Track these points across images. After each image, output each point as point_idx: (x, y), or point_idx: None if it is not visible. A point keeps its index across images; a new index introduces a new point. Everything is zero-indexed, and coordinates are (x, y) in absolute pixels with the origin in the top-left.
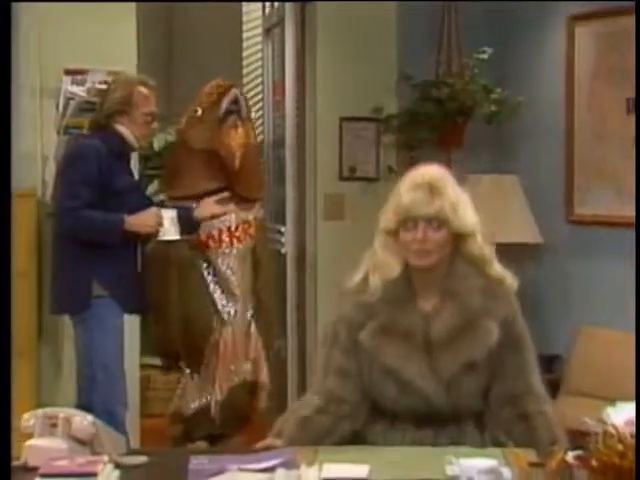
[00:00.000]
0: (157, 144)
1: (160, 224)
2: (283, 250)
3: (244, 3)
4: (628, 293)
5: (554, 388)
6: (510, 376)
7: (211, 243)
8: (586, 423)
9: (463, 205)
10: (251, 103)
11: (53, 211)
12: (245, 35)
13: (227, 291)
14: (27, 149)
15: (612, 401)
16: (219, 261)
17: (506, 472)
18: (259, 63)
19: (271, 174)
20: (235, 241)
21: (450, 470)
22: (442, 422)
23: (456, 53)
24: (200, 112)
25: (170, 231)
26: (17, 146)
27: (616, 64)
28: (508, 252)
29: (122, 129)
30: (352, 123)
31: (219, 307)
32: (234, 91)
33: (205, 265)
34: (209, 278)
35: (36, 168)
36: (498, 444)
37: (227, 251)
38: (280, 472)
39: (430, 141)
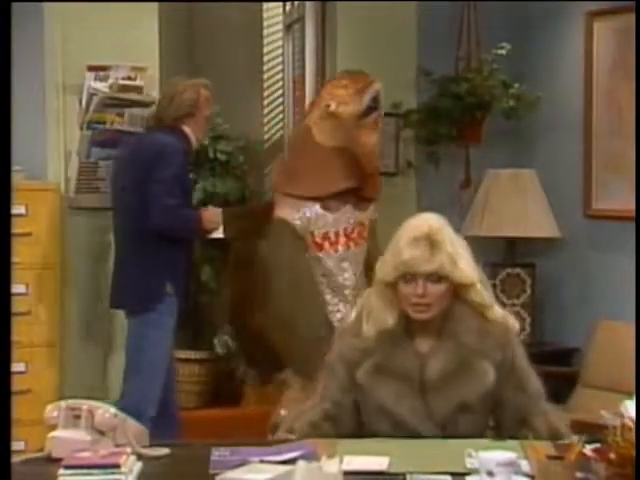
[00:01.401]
0: None
1: (220, 222)
2: None
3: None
4: None
5: (572, 381)
6: (512, 411)
7: (326, 245)
8: (604, 416)
9: (462, 256)
10: (271, 99)
11: (112, 207)
12: (265, 32)
13: (339, 294)
14: (51, 145)
15: (630, 394)
16: (332, 263)
17: (524, 465)
18: (279, 59)
19: None
20: (352, 243)
21: (469, 462)
22: None
23: (475, 49)
24: (334, 107)
25: (219, 230)
26: (42, 142)
27: (634, 60)
28: (527, 246)
29: (187, 130)
30: None
31: (329, 310)
32: (376, 86)
33: (317, 267)
34: (321, 280)
35: (59, 163)
36: None
37: (342, 253)
38: (301, 464)
39: (449, 136)
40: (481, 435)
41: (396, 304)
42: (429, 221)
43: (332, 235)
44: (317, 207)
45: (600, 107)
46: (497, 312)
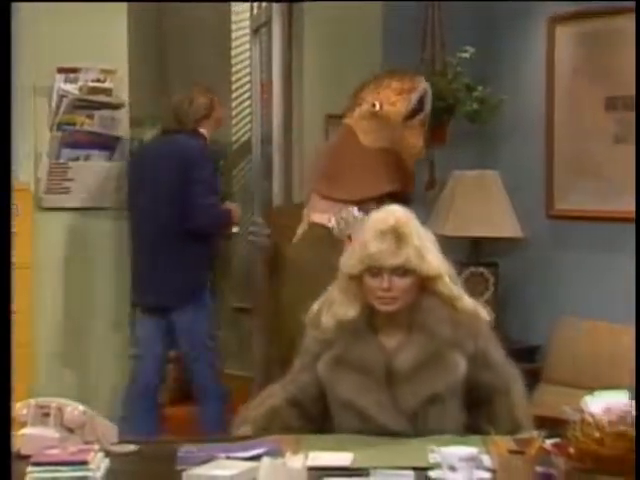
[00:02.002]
0: None
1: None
2: (266, 243)
3: (233, 3)
4: (606, 285)
5: (535, 377)
6: (489, 394)
7: None
8: (565, 412)
9: (429, 249)
10: (240, 101)
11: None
12: (234, 35)
13: None
14: (21, 146)
15: (591, 390)
16: None
17: (486, 459)
18: (248, 62)
19: (259, 170)
20: None
21: (432, 458)
22: None
23: (439, 51)
24: (379, 107)
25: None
26: (13, 143)
27: (595, 63)
28: (490, 246)
29: (204, 132)
30: (338, 120)
31: None
32: (424, 86)
33: None
34: None
35: (29, 164)
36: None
37: None
38: (266, 460)
39: None
40: (452, 428)
41: (359, 297)
42: (395, 214)
43: None
44: (355, 210)
45: (562, 110)
46: (467, 303)
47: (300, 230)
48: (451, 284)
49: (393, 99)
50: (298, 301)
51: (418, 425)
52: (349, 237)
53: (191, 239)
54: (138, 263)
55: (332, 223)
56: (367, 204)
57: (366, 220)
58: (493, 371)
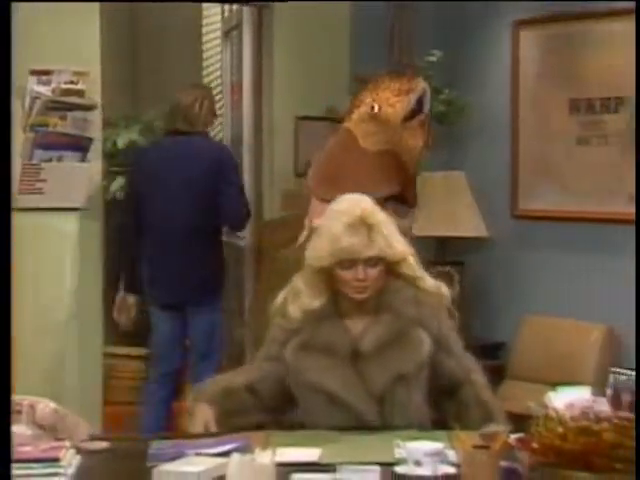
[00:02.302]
0: (121, 142)
1: None
2: (241, 243)
3: (204, 6)
4: (570, 283)
5: (499, 374)
6: (453, 384)
7: None
8: (530, 407)
9: (394, 234)
10: None
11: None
12: (205, 38)
13: None
14: None
15: (555, 386)
16: None
17: (451, 454)
18: (219, 64)
19: None
20: None
21: (397, 453)
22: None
23: (407, 55)
24: (378, 109)
25: None
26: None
27: (559, 67)
28: (456, 245)
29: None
30: (307, 122)
31: None
32: (423, 86)
33: None
34: None
35: None
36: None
37: None
38: (235, 456)
39: None
40: (416, 413)
41: (325, 287)
42: (360, 204)
43: None
44: None
45: (527, 112)
46: (429, 282)
47: (302, 237)
48: (414, 265)
49: (392, 100)
50: None
51: (385, 406)
52: None
53: (213, 238)
54: (157, 261)
55: None
56: None
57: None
58: (455, 358)
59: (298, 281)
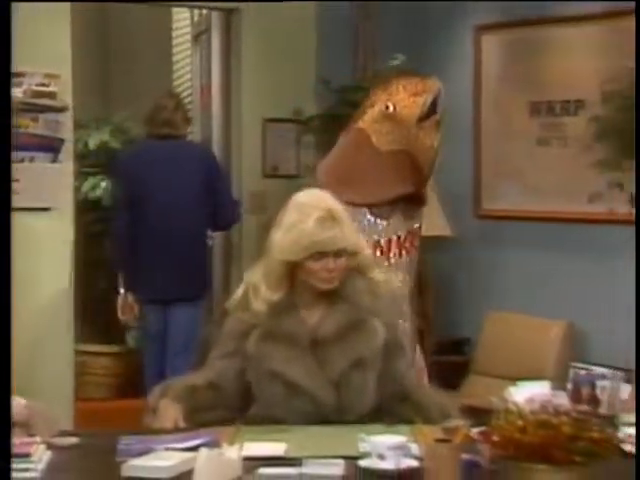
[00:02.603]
0: (92, 143)
1: None
2: (210, 242)
3: (174, 10)
4: (530, 281)
5: (464, 369)
6: (399, 374)
7: (378, 254)
8: (492, 401)
9: (354, 227)
10: None
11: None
12: (175, 41)
13: None
14: None
15: (517, 380)
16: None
17: (414, 448)
18: (189, 67)
19: None
20: (404, 252)
21: (361, 447)
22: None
23: (371, 59)
24: (393, 109)
25: None
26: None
27: (520, 70)
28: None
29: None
30: (274, 124)
31: None
32: (438, 87)
33: None
34: None
35: None
36: None
37: (394, 262)
38: (203, 451)
39: None
40: (369, 400)
41: (284, 281)
42: (325, 199)
43: (384, 243)
44: (368, 214)
45: (489, 114)
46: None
47: None
48: (369, 257)
49: (407, 101)
50: None
51: (341, 391)
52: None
53: (201, 237)
54: (148, 259)
55: None
56: (382, 207)
57: (379, 224)
58: (405, 360)
59: (254, 276)
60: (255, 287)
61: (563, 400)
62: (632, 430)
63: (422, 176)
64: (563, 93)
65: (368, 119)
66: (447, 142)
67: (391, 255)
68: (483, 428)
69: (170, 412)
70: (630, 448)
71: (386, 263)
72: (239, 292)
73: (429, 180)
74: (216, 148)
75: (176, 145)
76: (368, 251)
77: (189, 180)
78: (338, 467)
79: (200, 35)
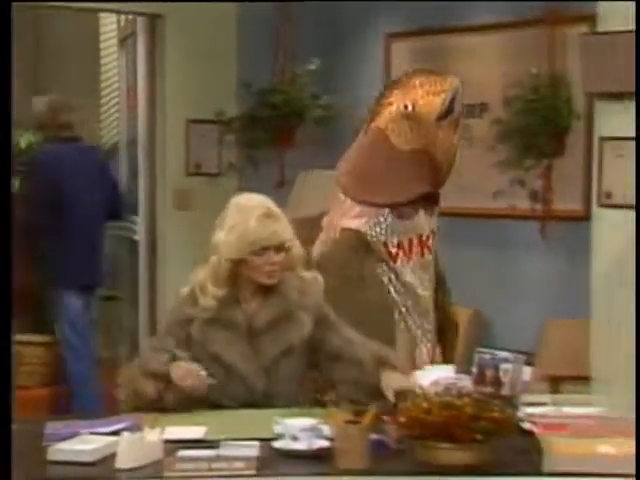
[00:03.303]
0: (23, 143)
1: None
2: (136, 237)
3: (101, 15)
4: (462, 275)
5: None
6: (330, 346)
7: (401, 254)
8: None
9: (288, 223)
10: (109, 106)
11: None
12: (103, 45)
13: (418, 305)
14: None
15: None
16: (409, 274)
17: (325, 429)
18: (116, 70)
19: (126, 170)
20: (426, 251)
21: (276, 429)
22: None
23: (289, 63)
24: (411, 107)
25: None
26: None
27: None
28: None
29: None
30: (197, 125)
31: (410, 326)
32: (456, 85)
33: (391, 279)
34: (395, 293)
35: None
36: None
37: (417, 262)
38: (125, 435)
39: (267, 141)
40: (296, 384)
41: (228, 278)
42: (264, 201)
43: (406, 244)
44: (389, 214)
45: None
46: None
47: (324, 237)
48: (300, 255)
49: (425, 99)
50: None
51: (271, 379)
52: (384, 244)
53: (103, 229)
54: (71, 249)
55: (367, 228)
56: (403, 207)
57: (401, 225)
58: (336, 332)
59: (198, 275)
60: (202, 285)
61: (466, 383)
62: (531, 409)
63: (441, 175)
64: (468, 97)
65: (386, 119)
66: None
67: (413, 255)
68: (391, 410)
69: (193, 370)
70: (529, 426)
71: (410, 263)
72: (184, 291)
73: (447, 179)
74: (141, 148)
75: (80, 147)
76: (299, 249)
77: (93, 178)
78: (253, 449)
79: (126, 39)
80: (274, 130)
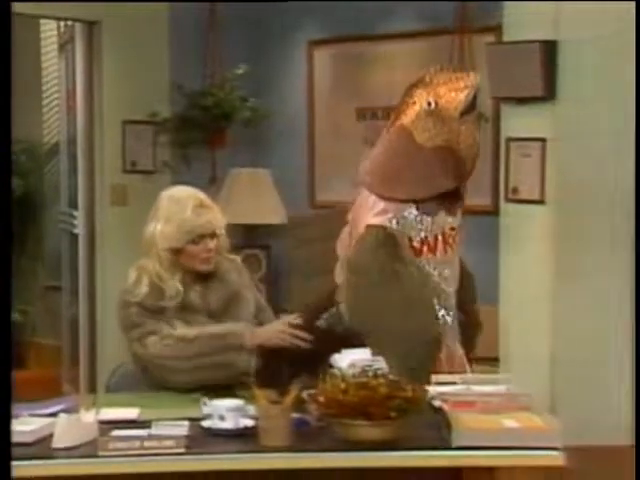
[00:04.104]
0: None
1: None
2: (76, 231)
3: (42, 22)
4: None
5: None
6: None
7: (425, 250)
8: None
9: (219, 211)
10: (50, 107)
11: None
12: (44, 49)
13: (443, 301)
14: None
15: None
16: (434, 269)
17: (250, 409)
18: (56, 73)
19: (66, 167)
20: (449, 248)
21: (204, 409)
22: None
23: (219, 67)
24: (434, 104)
25: None
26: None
27: (348, 80)
28: (263, 231)
29: None
30: (133, 125)
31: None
32: (477, 82)
33: (420, 274)
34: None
35: None
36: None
37: (441, 258)
38: (62, 416)
39: (199, 141)
40: None
41: (176, 265)
42: (196, 192)
43: (431, 240)
44: (414, 210)
45: (321, 118)
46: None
47: (349, 232)
48: (225, 239)
49: (448, 96)
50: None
51: None
52: (409, 239)
53: None
54: None
55: (393, 224)
56: (427, 203)
57: (426, 220)
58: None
59: (147, 266)
60: (158, 276)
61: (381, 364)
62: (442, 388)
63: (464, 171)
64: (385, 100)
65: (410, 116)
66: (285, 143)
67: (438, 252)
68: (312, 390)
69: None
70: (439, 404)
71: (435, 259)
72: (132, 277)
73: (471, 175)
74: (80, 147)
75: None
76: (224, 235)
77: None
78: (183, 428)
79: (66, 44)
80: (205, 130)
